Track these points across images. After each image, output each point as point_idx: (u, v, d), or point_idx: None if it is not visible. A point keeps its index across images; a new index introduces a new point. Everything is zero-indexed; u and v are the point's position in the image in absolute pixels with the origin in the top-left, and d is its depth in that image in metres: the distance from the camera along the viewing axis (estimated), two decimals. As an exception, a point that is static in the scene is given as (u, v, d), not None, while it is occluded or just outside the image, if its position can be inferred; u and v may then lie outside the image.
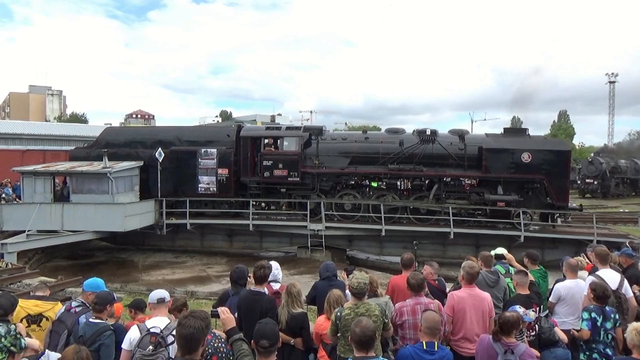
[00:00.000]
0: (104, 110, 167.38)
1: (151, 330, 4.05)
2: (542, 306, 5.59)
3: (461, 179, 19.31)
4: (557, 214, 19.20)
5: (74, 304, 4.85)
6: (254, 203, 19.50)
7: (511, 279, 6.14)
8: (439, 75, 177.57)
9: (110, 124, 59.43)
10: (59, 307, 5.03)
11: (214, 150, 19.50)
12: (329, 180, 19.39)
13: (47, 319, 4.98)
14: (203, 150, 19.56)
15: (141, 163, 19.15)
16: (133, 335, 4.08)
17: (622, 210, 30.10)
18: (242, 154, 19.47)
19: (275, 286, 5.45)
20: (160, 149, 18.97)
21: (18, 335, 3.90)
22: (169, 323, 4.16)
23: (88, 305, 4.73)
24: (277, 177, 19.01)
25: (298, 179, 18.94)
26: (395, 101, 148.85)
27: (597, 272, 5.99)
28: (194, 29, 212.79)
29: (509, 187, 18.62)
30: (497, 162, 18.40)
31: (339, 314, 4.51)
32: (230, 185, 19.45)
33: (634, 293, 6.14)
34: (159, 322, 4.17)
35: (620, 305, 5.74)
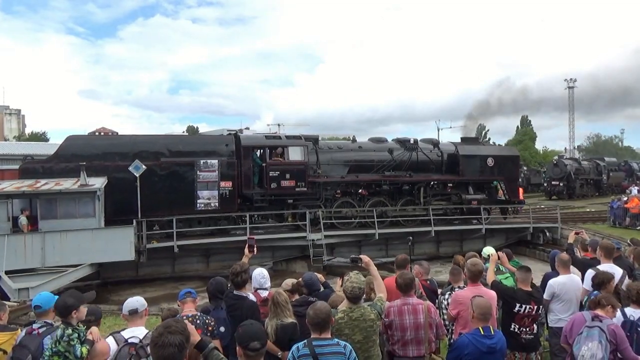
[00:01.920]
0: (65, 128, 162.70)
1: (129, 340, 3.67)
2: (541, 306, 5.43)
3: (445, 182, 21.32)
4: (510, 208, 22.82)
5: (35, 325, 4.32)
6: (257, 217, 18.82)
7: (507, 277, 6.00)
8: (401, 89, 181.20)
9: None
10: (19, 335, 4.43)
11: (215, 162, 17.68)
12: (332, 189, 19.56)
13: (4, 352, 4.17)
14: (202, 161, 17.55)
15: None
16: (111, 345, 3.69)
17: (588, 210, 30.87)
18: (244, 164, 18.13)
19: (264, 293, 5.08)
20: (137, 161, 16.27)
21: (72, 342, 3.63)
22: (148, 332, 3.76)
23: (52, 324, 4.23)
24: (284, 187, 18.28)
25: (305, 189, 18.49)
26: (362, 113, 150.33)
27: (599, 267, 5.86)
28: (160, 46, 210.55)
29: (476, 187, 21.75)
30: (470, 167, 21.38)
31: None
32: (233, 200, 17.96)
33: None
34: (136, 332, 3.79)
35: (619, 301, 5.63)
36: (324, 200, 19.28)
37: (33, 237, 14.44)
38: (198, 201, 17.60)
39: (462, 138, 24.41)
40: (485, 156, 21.75)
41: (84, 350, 3.64)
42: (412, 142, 21.12)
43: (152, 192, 16.83)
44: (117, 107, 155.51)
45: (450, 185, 21.51)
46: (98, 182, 15.77)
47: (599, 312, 4.65)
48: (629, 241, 8.15)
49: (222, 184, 17.75)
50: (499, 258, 6.25)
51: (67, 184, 15.55)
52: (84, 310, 3.99)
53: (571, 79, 64.10)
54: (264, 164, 18.48)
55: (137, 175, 16.30)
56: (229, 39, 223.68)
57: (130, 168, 16.25)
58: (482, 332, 4.12)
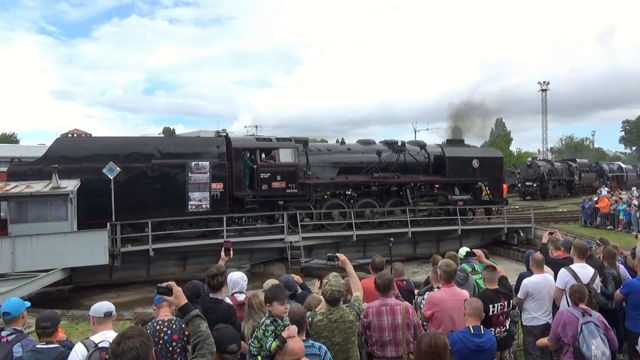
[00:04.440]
0: (36, 129, 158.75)
1: (99, 345, 3.57)
2: (509, 302, 5.51)
3: (432, 183, 21.80)
4: (494, 208, 23.26)
5: (4, 332, 4.19)
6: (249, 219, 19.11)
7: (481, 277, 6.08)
8: (382, 91, 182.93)
9: (44, 144, 56.13)
10: None
11: (206, 163, 17.69)
12: (322, 190, 19.66)
13: None
14: (193, 163, 17.56)
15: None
16: (80, 351, 3.59)
17: (560, 210, 31.52)
18: (235, 166, 18.16)
19: (240, 297, 5.03)
20: (111, 163, 15.97)
21: (267, 333, 3.73)
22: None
23: (22, 331, 4.11)
24: (275, 189, 18.31)
25: (296, 190, 18.55)
26: (342, 114, 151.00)
27: (572, 266, 5.99)
28: (135, 46, 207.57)
29: (462, 188, 22.02)
30: (457, 168, 21.76)
31: (310, 319, 4.18)
32: (225, 201, 17.93)
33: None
34: (106, 335, 3.70)
35: (590, 300, 5.76)
36: (314, 202, 19.41)
37: (2, 241, 14.03)
38: (189, 203, 17.60)
39: (447, 140, 24.88)
40: (471, 158, 22.25)
41: (274, 345, 3.65)
42: (399, 144, 21.48)
43: (143, 194, 16.86)
44: (90, 108, 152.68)
45: (437, 186, 21.92)
46: (70, 185, 15.43)
47: (582, 306, 4.78)
48: (597, 241, 8.34)
49: (214, 185, 17.78)
50: (474, 255, 6.33)
51: (39, 186, 15.17)
52: (279, 307, 3.96)
53: (544, 82, 65.42)
54: (254, 166, 18.53)
55: (111, 178, 16.01)
56: (205, 40, 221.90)
57: (104, 170, 15.94)
58: (472, 331, 4.19)
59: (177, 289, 3.24)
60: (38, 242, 14.32)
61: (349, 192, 20.47)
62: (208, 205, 17.75)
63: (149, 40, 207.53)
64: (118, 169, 16.10)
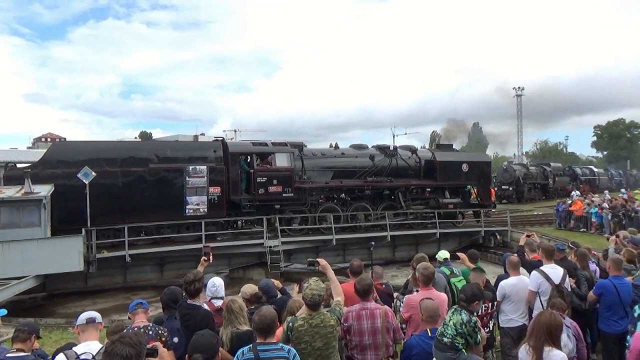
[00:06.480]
0: (9, 133, 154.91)
1: (82, 356, 3.50)
2: (494, 303, 5.58)
3: (423, 187, 22.35)
4: (482, 211, 23.19)
5: (-26, 341, 4.08)
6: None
7: (461, 279, 6.14)
8: (362, 96, 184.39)
9: (16, 148, 54.84)
10: None
11: (204, 168, 17.79)
12: (317, 194, 19.87)
13: None
14: (191, 167, 17.67)
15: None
16: None
17: (536, 213, 32.07)
18: (232, 171, 18.29)
19: (217, 303, 4.98)
20: (86, 167, 15.63)
21: (476, 329, 4.01)
22: (102, 347, 3.61)
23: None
24: (271, 193, 18.44)
25: (292, 194, 18.70)
26: (323, 118, 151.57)
27: (542, 267, 6.10)
28: (112, 49, 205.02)
29: (452, 192, 22.54)
30: (447, 172, 22.26)
31: (290, 324, 4.16)
32: (222, 205, 18.00)
33: (571, 286, 6.34)
34: (89, 346, 3.62)
35: (563, 299, 5.87)
36: (309, 206, 19.60)
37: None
38: (187, 207, 17.60)
39: (437, 145, 25.76)
40: (460, 162, 22.76)
41: (480, 337, 4.07)
42: (391, 148, 22.02)
43: (141, 197, 16.84)
44: (65, 112, 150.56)
45: (429, 190, 22.42)
46: (44, 190, 15.09)
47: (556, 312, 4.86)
48: (570, 244, 8.52)
49: (211, 189, 17.81)
50: (458, 258, 6.40)
51: (10, 192, 14.84)
52: (476, 306, 4.32)
53: (519, 87, 66.77)
54: (251, 170, 18.61)
55: (87, 183, 15.65)
56: (183, 43, 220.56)
57: (79, 175, 15.60)
58: (430, 334, 4.26)
59: (163, 350, 3.34)
60: (10, 249, 13.99)
61: (343, 196, 20.68)
62: (205, 209, 17.79)
63: (126, 43, 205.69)
64: (93, 173, 15.76)
